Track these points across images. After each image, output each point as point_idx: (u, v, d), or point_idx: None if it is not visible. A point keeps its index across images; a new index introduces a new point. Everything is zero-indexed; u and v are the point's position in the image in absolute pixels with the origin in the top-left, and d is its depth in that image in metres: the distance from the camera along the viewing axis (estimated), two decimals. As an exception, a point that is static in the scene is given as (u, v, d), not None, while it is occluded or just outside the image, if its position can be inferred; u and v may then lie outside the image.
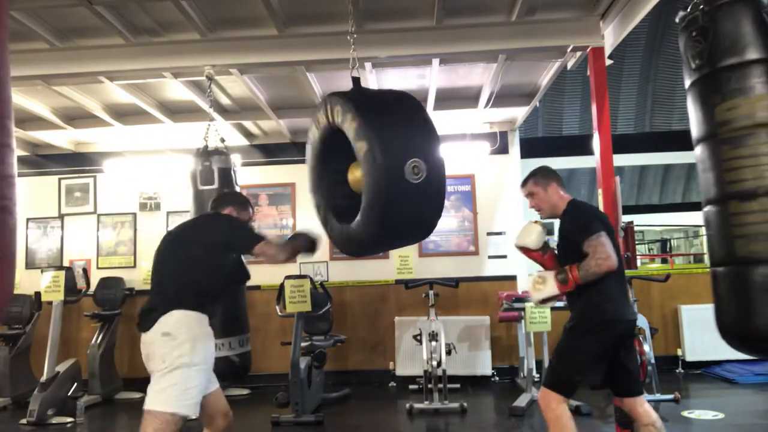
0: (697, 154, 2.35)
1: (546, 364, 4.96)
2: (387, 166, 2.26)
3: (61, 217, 6.66)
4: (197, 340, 2.44)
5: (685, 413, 4.42)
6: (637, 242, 8.82)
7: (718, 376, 5.60)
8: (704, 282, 5.57)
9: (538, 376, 5.39)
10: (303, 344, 4.96)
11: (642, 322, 4.85)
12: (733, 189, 2.19)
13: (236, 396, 5.72)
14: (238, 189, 4.31)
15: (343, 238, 2.57)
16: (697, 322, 5.80)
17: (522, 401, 4.71)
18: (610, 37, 4.09)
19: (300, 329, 4.87)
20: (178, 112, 5.74)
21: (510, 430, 4.40)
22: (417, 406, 4.82)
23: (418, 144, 2.34)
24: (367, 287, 6.34)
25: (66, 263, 6.46)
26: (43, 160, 6.75)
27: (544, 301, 2.78)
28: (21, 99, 5.15)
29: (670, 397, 4.55)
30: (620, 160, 6.59)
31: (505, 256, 6.21)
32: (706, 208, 2.33)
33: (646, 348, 4.74)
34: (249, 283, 4.29)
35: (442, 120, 6.08)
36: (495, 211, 6.38)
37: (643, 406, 2.70)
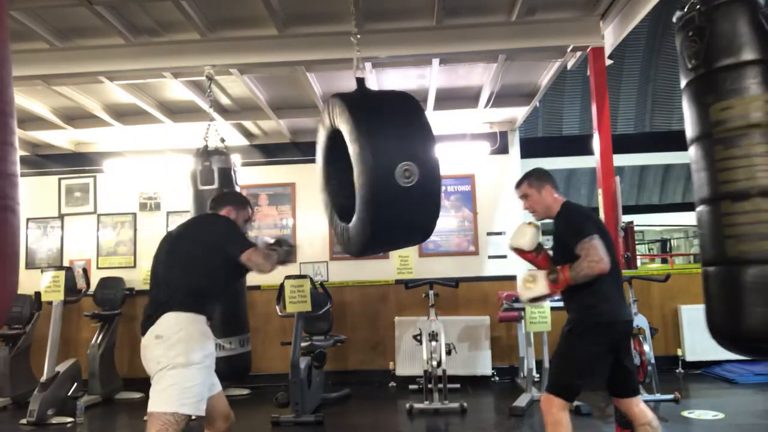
0: (691, 153, 2.36)
1: (546, 364, 4.96)
2: (377, 169, 2.27)
3: (61, 217, 6.66)
4: (192, 340, 2.45)
5: (685, 413, 4.42)
6: (637, 242, 8.83)
7: (718, 376, 5.60)
8: (704, 282, 5.56)
9: (538, 376, 5.39)
10: (303, 344, 4.97)
11: (642, 322, 4.86)
12: (726, 189, 2.20)
13: (236, 396, 5.72)
14: (238, 189, 4.31)
15: (344, 237, 2.61)
16: (697, 322, 5.75)
17: (522, 401, 4.71)
18: (610, 37, 4.09)
19: (300, 329, 4.87)
20: (178, 112, 5.74)
21: (510, 430, 4.40)
22: (417, 406, 4.82)
23: (411, 147, 2.34)
24: (367, 287, 6.34)
25: (66, 263, 6.46)
26: (43, 160, 6.75)
27: (533, 300, 2.79)
28: (21, 99, 5.15)
29: (670, 397, 4.56)
30: (620, 160, 6.60)
31: (505, 256, 6.21)
32: (699, 208, 2.34)
33: (646, 348, 4.74)
34: (249, 283, 4.31)
35: (442, 120, 6.09)
36: (495, 211, 6.39)
37: (639, 405, 2.71)
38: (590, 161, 4.64)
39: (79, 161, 6.73)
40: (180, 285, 2.55)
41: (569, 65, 4.64)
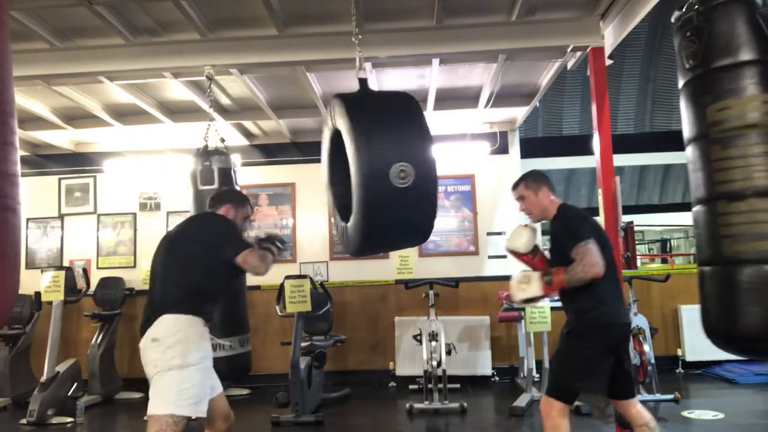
0: (688, 154, 2.37)
1: (546, 364, 4.97)
2: (372, 169, 2.29)
3: (61, 217, 6.66)
4: (188, 342, 2.44)
5: (685, 413, 4.42)
6: (637, 242, 8.82)
7: (718, 376, 5.61)
8: (704, 282, 5.56)
9: (538, 376, 5.39)
10: (303, 344, 4.97)
11: (642, 322, 4.86)
12: (722, 189, 2.20)
13: (236, 396, 5.72)
14: (238, 189, 4.31)
15: (344, 237, 2.62)
16: (697, 322, 5.63)
17: (522, 401, 4.71)
18: (610, 37, 4.09)
19: (300, 329, 4.87)
20: (178, 112, 5.74)
21: (510, 430, 4.40)
22: (417, 406, 4.82)
23: (407, 148, 2.34)
24: (367, 287, 6.34)
25: (66, 263, 6.46)
26: (43, 160, 6.75)
27: (526, 301, 2.79)
28: (21, 99, 5.15)
29: (670, 397, 4.56)
30: (620, 160, 6.60)
31: (505, 256, 6.19)
32: (695, 208, 2.35)
33: (646, 348, 4.74)
34: (249, 283, 4.31)
35: (442, 120, 6.09)
36: (495, 211, 6.39)
37: (636, 407, 2.71)
38: (590, 161, 4.65)
39: (79, 161, 6.73)
40: (177, 286, 2.54)
41: (569, 65, 4.64)
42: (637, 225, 8.23)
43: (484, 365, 5.95)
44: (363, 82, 2.67)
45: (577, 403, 4.41)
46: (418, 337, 5.20)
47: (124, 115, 5.76)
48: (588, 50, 4.17)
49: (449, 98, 5.64)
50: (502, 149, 6.47)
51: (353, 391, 5.63)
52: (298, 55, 4.21)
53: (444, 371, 4.85)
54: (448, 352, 4.99)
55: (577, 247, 2.58)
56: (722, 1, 2.22)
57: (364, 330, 6.27)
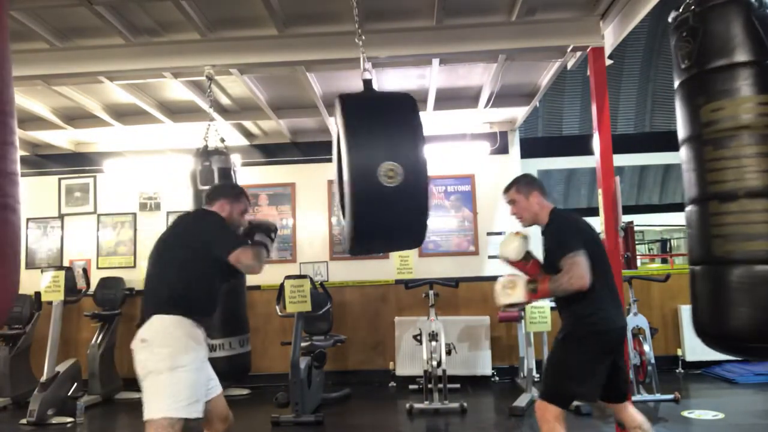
0: (682, 154, 2.38)
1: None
2: (360, 168, 2.31)
3: (61, 217, 6.66)
4: (177, 343, 2.41)
5: (685, 413, 4.42)
6: (637, 242, 8.81)
7: (718, 376, 5.61)
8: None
9: (538, 376, 5.39)
10: (303, 344, 4.97)
11: (642, 322, 4.86)
12: (714, 189, 2.22)
13: (236, 396, 5.72)
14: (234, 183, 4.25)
15: (343, 235, 2.63)
16: None
17: (522, 401, 4.71)
18: (610, 37, 4.09)
19: (300, 329, 4.87)
20: (178, 112, 5.74)
21: (510, 430, 4.40)
22: (417, 406, 4.82)
23: (397, 148, 2.35)
24: (367, 287, 6.34)
25: (66, 263, 6.46)
26: (43, 160, 6.75)
27: (509, 306, 2.79)
28: (21, 99, 5.15)
29: (670, 397, 4.56)
30: (620, 160, 6.58)
31: (505, 256, 6.20)
32: (688, 208, 2.37)
33: (646, 348, 4.74)
34: (249, 283, 4.31)
35: (442, 120, 6.09)
36: (495, 211, 6.39)
37: (627, 409, 2.72)
38: (590, 161, 4.64)
39: (79, 161, 6.73)
40: (166, 287, 2.52)
41: (569, 65, 4.64)
42: (637, 225, 8.22)
43: (484, 365, 5.95)
44: (367, 83, 2.67)
45: (577, 403, 4.41)
46: (418, 337, 5.20)
47: (124, 115, 5.76)
48: (588, 50, 4.17)
49: (449, 98, 5.64)
50: (502, 149, 6.47)
51: (353, 391, 5.63)
52: (298, 55, 4.21)
53: (444, 371, 4.85)
54: (448, 352, 4.99)
55: (565, 258, 2.57)
56: (718, 2, 2.22)
57: (364, 330, 6.27)
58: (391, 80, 5.12)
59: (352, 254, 2.68)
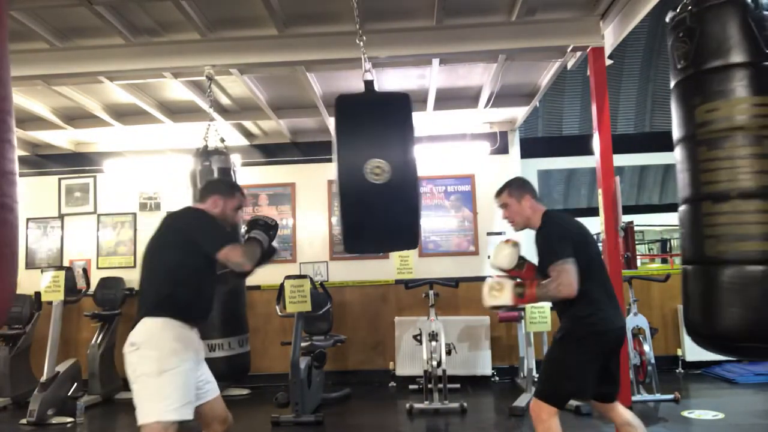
0: (676, 154, 2.39)
1: (546, 364, 4.96)
2: (348, 165, 2.34)
3: (61, 217, 6.66)
4: (163, 346, 2.38)
5: (685, 413, 4.42)
6: (637, 242, 8.80)
7: (718, 376, 5.60)
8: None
9: (538, 376, 5.39)
10: (303, 344, 4.97)
11: (642, 322, 4.86)
12: (707, 190, 2.23)
13: (236, 396, 5.72)
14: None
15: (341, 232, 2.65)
16: None
17: (522, 401, 4.71)
18: (610, 37, 4.09)
19: (300, 329, 4.87)
20: (178, 112, 5.74)
21: (510, 430, 4.40)
22: (417, 406, 4.82)
23: (385, 145, 2.37)
24: (367, 287, 6.34)
25: (66, 263, 6.46)
26: (43, 160, 6.75)
27: (495, 308, 2.80)
28: (21, 99, 5.15)
29: (670, 397, 4.56)
30: (620, 160, 6.57)
31: (505, 256, 6.20)
32: (681, 207, 2.39)
33: (646, 348, 4.74)
34: (249, 283, 4.31)
35: (442, 120, 6.10)
36: (495, 211, 6.31)
37: (616, 408, 2.73)
38: (590, 161, 4.64)
39: (79, 161, 6.73)
40: (153, 289, 2.50)
41: (569, 65, 4.64)
42: (637, 225, 8.21)
43: (484, 365, 5.94)
44: (368, 84, 2.67)
45: (577, 403, 4.42)
46: (418, 337, 5.20)
47: (124, 115, 5.76)
48: (588, 50, 4.17)
49: (449, 98, 5.64)
50: (502, 149, 6.47)
51: (353, 391, 5.63)
52: (298, 55, 4.21)
53: (444, 371, 4.84)
54: (448, 352, 4.99)
55: (554, 265, 2.57)
56: (715, 3, 2.23)
57: (364, 330, 6.27)
58: (391, 80, 5.12)
59: (347, 252, 2.68)
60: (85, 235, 6.61)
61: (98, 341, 5.68)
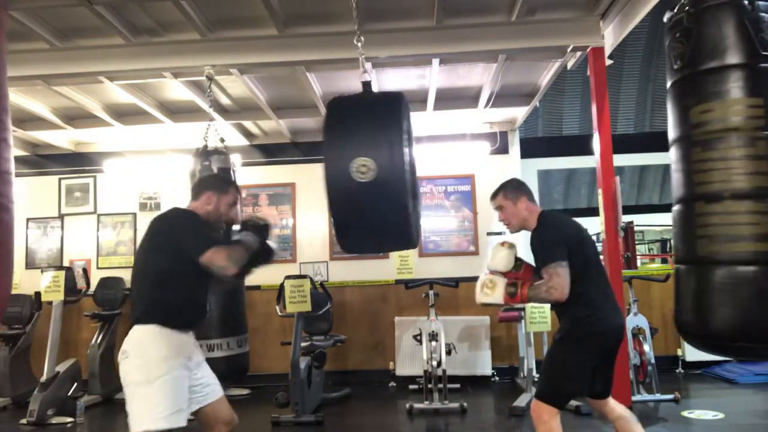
0: (671, 154, 2.39)
1: (546, 364, 4.96)
2: (334, 164, 2.35)
3: (61, 217, 6.66)
4: (151, 354, 2.35)
5: (685, 413, 4.42)
6: (637, 242, 8.80)
7: (718, 376, 5.60)
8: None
9: (538, 376, 5.38)
10: (303, 344, 4.96)
11: (642, 322, 4.85)
12: (701, 190, 2.25)
13: (236, 396, 5.72)
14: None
15: None
16: None
17: (522, 401, 4.71)
18: (610, 37, 4.08)
19: (300, 329, 4.87)
20: (178, 112, 5.74)
21: (510, 430, 4.40)
22: (417, 406, 4.82)
23: (371, 144, 2.36)
24: (367, 287, 6.34)
25: (66, 263, 6.46)
26: (43, 160, 6.75)
27: (486, 305, 2.80)
28: (21, 99, 5.15)
29: (670, 397, 4.56)
30: (620, 160, 6.57)
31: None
32: (675, 207, 2.40)
33: (646, 348, 4.74)
34: (249, 283, 4.31)
35: (442, 120, 6.10)
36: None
37: (609, 403, 2.75)
38: (590, 161, 4.64)
39: (79, 161, 6.73)
40: (142, 296, 2.47)
41: (569, 65, 4.64)
42: (637, 225, 8.21)
43: (484, 365, 5.94)
44: (366, 85, 2.66)
45: (577, 403, 4.42)
46: (418, 337, 5.20)
47: (124, 115, 5.76)
48: (588, 50, 4.17)
49: (449, 98, 5.64)
50: (502, 149, 6.47)
51: (353, 391, 5.63)
52: (298, 55, 4.21)
53: (444, 371, 4.84)
54: (448, 352, 4.99)
55: (546, 267, 2.58)
56: (712, 4, 2.23)
57: (364, 330, 6.26)
58: (391, 80, 5.11)
59: (345, 251, 2.68)
60: (85, 235, 6.61)
61: (98, 341, 5.68)
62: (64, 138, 6.48)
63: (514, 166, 6.47)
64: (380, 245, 2.86)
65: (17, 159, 6.36)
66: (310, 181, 6.47)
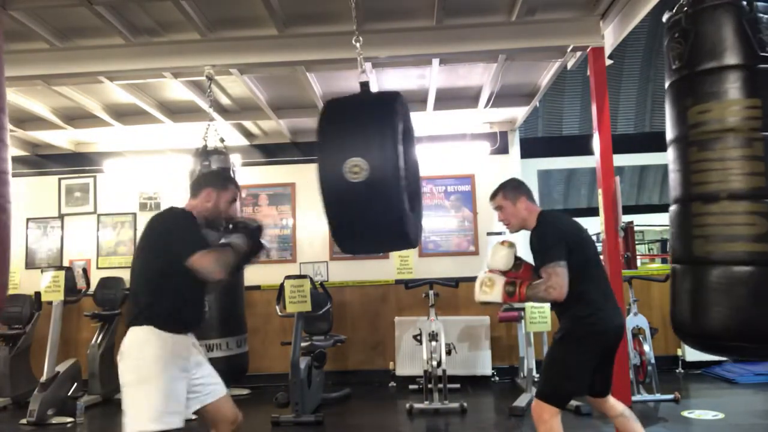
0: (669, 154, 2.40)
1: (546, 364, 4.96)
2: (327, 164, 2.35)
3: (61, 217, 6.66)
4: (147, 356, 2.35)
5: (685, 413, 4.42)
6: (637, 242, 8.80)
7: (718, 376, 5.60)
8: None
9: (538, 376, 5.38)
10: (303, 344, 4.97)
11: (642, 322, 4.85)
12: (698, 190, 2.25)
13: (236, 396, 5.71)
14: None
15: None
16: None
17: (522, 401, 4.71)
18: (610, 37, 4.08)
19: (300, 329, 4.87)
20: (178, 112, 5.74)
21: (510, 430, 4.40)
22: (417, 406, 4.82)
23: (363, 144, 2.34)
24: (367, 287, 6.34)
25: (66, 263, 6.46)
26: (43, 160, 6.75)
27: (485, 303, 2.80)
28: (21, 99, 5.15)
29: (670, 397, 4.56)
30: (620, 160, 6.57)
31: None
32: (672, 207, 2.40)
33: (646, 348, 4.74)
34: (248, 283, 4.31)
35: (442, 120, 6.10)
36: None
37: (608, 401, 2.76)
38: (590, 161, 4.64)
39: (79, 161, 6.73)
40: (138, 298, 2.48)
41: (569, 65, 4.64)
42: (637, 225, 8.21)
43: (484, 365, 5.94)
44: (363, 85, 2.66)
45: (577, 403, 4.42)
46: (418, 337, 5.20)
47: (124, 115, 5.76)
48: (588, 50, 4.17)
49: (449, 98, 5.64)
50: (502, 149, 6.47)
51: (353, 391, 5.63)
52: (298, 55, 4.21)
53: (444, 371, 4.84)
54: (448, 352, 4.99)
55: (545, 267, 2.59)
56: (710, 5, 2.23)
57: (364, 330, 6.26)
58: (391, 80, 5.11)
59: (343, 252, 2.68)
60: (85, 235, 6.61)
61: (98, 341, 5.67)
62: (64, 138, 6.48)
63: (514, 166, 6.47)
64: (379, 245, 2.86)
65: (17, 159, 6.37)
66: (310, 181, 6.39)
